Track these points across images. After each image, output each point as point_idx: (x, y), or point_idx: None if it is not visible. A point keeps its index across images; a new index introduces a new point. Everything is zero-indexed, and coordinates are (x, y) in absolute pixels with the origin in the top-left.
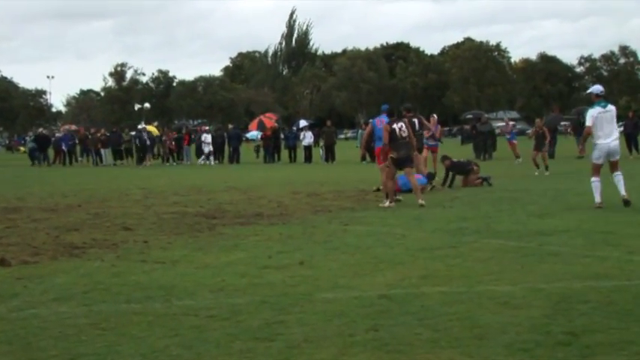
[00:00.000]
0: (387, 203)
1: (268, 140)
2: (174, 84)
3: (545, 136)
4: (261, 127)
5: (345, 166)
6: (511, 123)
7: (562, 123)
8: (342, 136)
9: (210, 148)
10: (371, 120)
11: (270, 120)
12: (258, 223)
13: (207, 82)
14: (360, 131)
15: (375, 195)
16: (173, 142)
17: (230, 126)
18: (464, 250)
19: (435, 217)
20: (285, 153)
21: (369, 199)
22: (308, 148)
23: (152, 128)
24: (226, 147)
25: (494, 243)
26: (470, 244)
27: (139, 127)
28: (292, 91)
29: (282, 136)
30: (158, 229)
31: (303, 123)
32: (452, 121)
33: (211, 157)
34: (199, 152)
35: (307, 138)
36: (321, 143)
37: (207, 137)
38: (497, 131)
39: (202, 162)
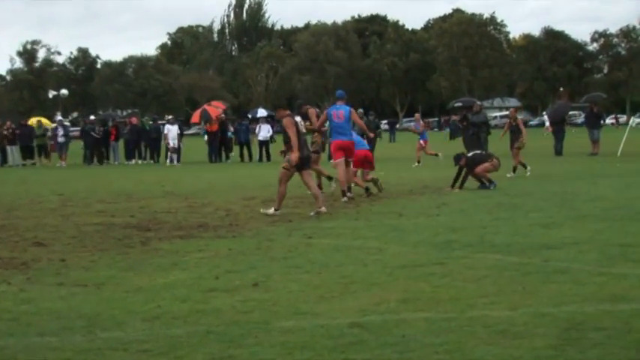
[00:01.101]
0: (271, 210)
1: (214, 135)
2: (98, 66)
3: (521, 130)
4: (205, 118)
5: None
6: (422, 122)
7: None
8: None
9: (175, 143)
10: (325, 110)
11: (216, 110)
12: (202, 236)
13: (139, 63)
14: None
15: (370, 199)
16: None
17: (168, 117)
18: (453, 267)
19: (418, 227)
20: (235, 150)
21: (338, 205)
22: (264, 144)
23: (33, 121)
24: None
25: (489, 258)
26: (460, 260)
27: (57, 118)
28: (244, 74)
29: (231, 129)
30: (79, 244)
31: (262, 112)
32: (439, 110)
33: (174, 156)
34: (129, 151)
35: (263, 131)
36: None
37: (171, 130)
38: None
39: (169, 163)
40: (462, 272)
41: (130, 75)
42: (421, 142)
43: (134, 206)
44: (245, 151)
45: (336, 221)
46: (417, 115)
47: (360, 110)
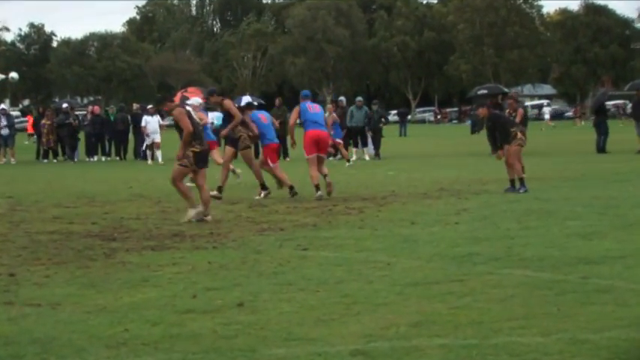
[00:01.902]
0: (192, 213)
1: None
2: (54, 44)
3: (511, 124)
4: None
5: (302, 165)
6: (334, 114)
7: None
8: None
9: (157, 138)
10: (297, 107)
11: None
12: (177, 247)
13: (102, 41)
14: (326, 114)
15: (345, 206)
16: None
17: (136, 106)
18: (475, 285)
19: (433, 237)
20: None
21: (339, 211)
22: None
23: None
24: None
25: (518, 275)
26: (483, 276)
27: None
28: (227, 55)
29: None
30: (31, 256)
31: (246, 99)
32: (458, 99)
33: (158, 153)
34: (91, 146)
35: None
36: None
37: (151, 122)
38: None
39: (151, 161)
40: (485, 291)
41: (92, 55)
42: (338, 140)
43: (97, 211)
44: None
45: (337, 230)
46: (330, 107)
47: (359, 98)
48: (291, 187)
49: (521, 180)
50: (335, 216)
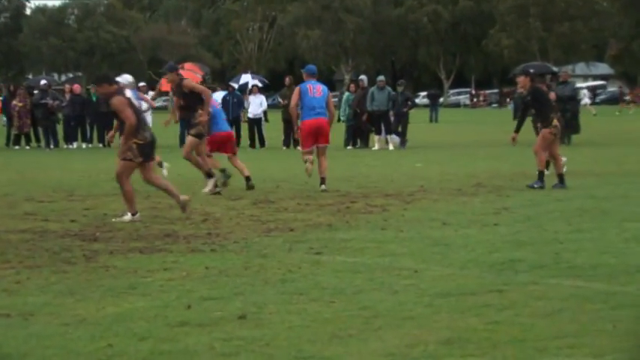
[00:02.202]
0: (127, 216)
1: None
2: (28, 12)
3: (552, 109)
4: None
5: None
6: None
7: None
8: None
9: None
10: (298, 86)
11: (193, 75)
12: (169, 249)
13: (83, 9)
14: (346, 94)
15: (365, 203)
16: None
17: (141, 83)
18: (516, 296)
19: (468, 241)
20: None
21: (358, 209)
22: (256, 124)
23: None
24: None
25: (567, 285)
26: (526, 286)
27: None
28: (229, 26)
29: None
30: None
31: (246, 79)
32: (499, 79)
33: None
34: (70, 131)
35: (253, 106)
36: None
37: (142, 104)
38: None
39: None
40: (528, 304)
41: (72, 25)
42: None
43: (76, 207)
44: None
45: (355, 231)
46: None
47: (381, 78)
48: (209, 174)
49: (540, 174)
50: (354, 215)
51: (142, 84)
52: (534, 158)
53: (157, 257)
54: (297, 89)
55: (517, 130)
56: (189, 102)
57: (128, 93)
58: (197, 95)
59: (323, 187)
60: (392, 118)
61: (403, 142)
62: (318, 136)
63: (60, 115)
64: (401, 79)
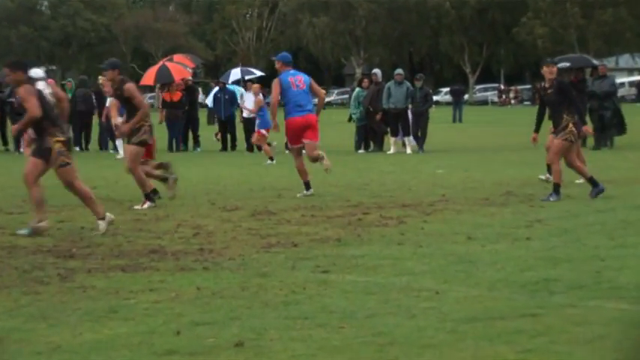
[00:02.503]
0: (43, 223)
1: (176, 107)
2: None
3: (577, 107)
4: (163, 79)
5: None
6: (260, 96)
7: None
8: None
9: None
10: (277, 78)
11: (182, 69)
12: (155, 267)
13: None
14: (357, 90)
15: (380, 215)
16: None
17: (102, 79)
18: (552, 320)
19: (497, 258)
20: (210, 132)
21: (371, 221)
22: (253, 124)
23: None
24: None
25: (609, 308)
26: (563, 309)
27: None
28: (224, 12)
29: (203, 99)
30: None
31: (236, 75)
32: (531, 74)
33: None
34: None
35: (249, 103)
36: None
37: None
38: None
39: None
40: (565, 329)
41: (45, 12)
42: (263, 131)
43: (49, 219)
44: (226, 134)
45: (368, 247)
46: (255, 86)
47: (399, 71)
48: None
49: (556, 186)
50: (366, 228)
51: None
52: (578, 169)
53: (142, 276)
54: (276, 82)
55: (537, 130)
56: (130, 108)
57: (41, 86)
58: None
59: (310, 191)
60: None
61: (422, 145)
62: (306, 133)
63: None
64: (420, 72)
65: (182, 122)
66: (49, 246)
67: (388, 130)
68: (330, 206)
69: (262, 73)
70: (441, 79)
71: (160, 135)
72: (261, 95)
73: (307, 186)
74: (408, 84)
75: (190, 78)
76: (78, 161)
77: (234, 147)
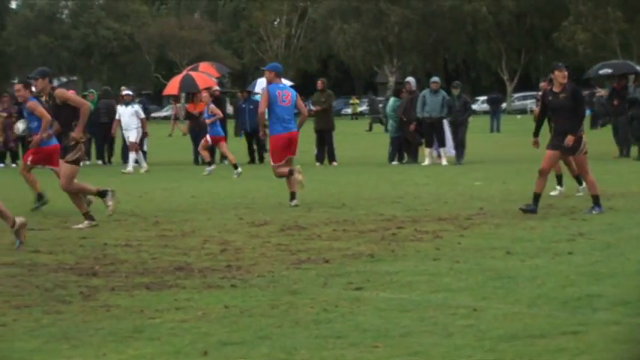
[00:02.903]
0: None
1: (201, 120)
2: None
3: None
4: (187, 88)
5: (355, 171)
6: (211, 105)
7: None
8: (349, 111)
9: (134, 136)
10: (265, 89)
11: (207, 78)
12: (182, 285)
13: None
14: (392, 100)
15: (414, 229)
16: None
17: (125, 91)
18: (594, 339)
19: (537, 273)
20: (237, 144)
21: (406, 235)
22: None
23: None
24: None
25: None
26: (607, 327)
27: None
28: (251, 19)
29: (230, 109)
30: None
31: (262, 84)
32: (573, 80)
33: (140, 155)
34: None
35: None
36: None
37: (124, 114)
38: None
39: (131, 168)
40: (609, 348)
41: (66, 21)
42: (208, 138)
43: (71, 235)
44: (253, 146)
45: (403, 262)
46: (205, 95)
47: (435, 79)
48: (40, 196)
49: (595, 199)
50: (400, 243)
51: (125, 92)
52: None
53: (167, 294)
54: (265, 93)
55: (536, 134)
56: (64, 118)
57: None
58: (73, 109)
59: (295, 202)
60: (445, 127)
61: (461, 156)
62: (290, 149)
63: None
64: (456, 80)
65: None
66: (71, 263)
67: (423, 140)
68: (363, 220)
69: (291, 83)
70: (477, 87)
71: (185, 148)
72: (212, 105)
73: (292, 196)
74: (444, 93)
75: (218, 88)
76: (101, 175)
77: (261, 159)
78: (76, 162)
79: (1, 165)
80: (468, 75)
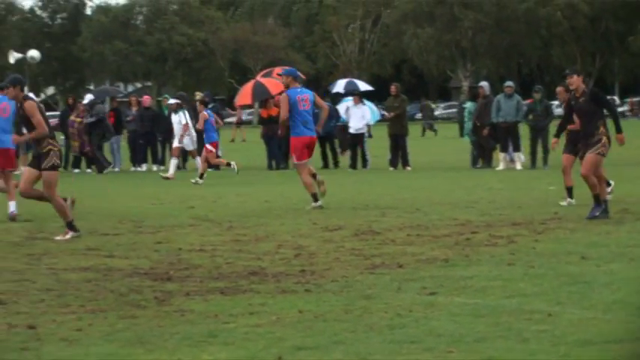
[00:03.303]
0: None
1: (274, 123)
2: (88, 11)
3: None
4: (260, 96)
5: (429, 176)
6: (204, 112)
7: None
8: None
9: (187, 142)
10: (285, 93)
11: (277, 83)
12: (256, 289)
13: (154, 7)
14: (469, 104)
15: (489, 234)
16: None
17: (199, 95)
18: None
19: (613, 278)
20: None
21: (480, 240)
22: (357, 140)
23: None
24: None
25: None
26: None
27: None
28: (325, 24)
29: None
30: (57, 301)
31: (341, 85)
32: None
33: (173, 162)
34: (137, 151)
35: (356, 118)
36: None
37: (176, 120)
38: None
39: (170, 173)
40: None
41: (140, 27)
42: (208, 146)
43: (146, 240)
44: (326, 151)
45: (477, 267)
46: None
47: (509, 83)
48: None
49: (604, 201)
50: (475, 248)
51: (172, 100)
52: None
53: (242, 299)
54: (285, 98)
55: (558, 135)
56: (32, 127)
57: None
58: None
59: (319, 203)
60: (520, 132)
61: (546, 161)
62: (311, 150)
63: (125, 132)
64: (532, 84)
65: (281, 138)
66: (146, 268)
67: (497, 145)
68: (437, 225)
69: (370, 87)
70: (551, 91)
71: (259, 153)
72: (205, 111)
73: (315, 198)
74: (518, 97)
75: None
76: (176, 180)
77: (336, 164)
78: (52, 168)
79: (77, 170)
80: (542, 79)
